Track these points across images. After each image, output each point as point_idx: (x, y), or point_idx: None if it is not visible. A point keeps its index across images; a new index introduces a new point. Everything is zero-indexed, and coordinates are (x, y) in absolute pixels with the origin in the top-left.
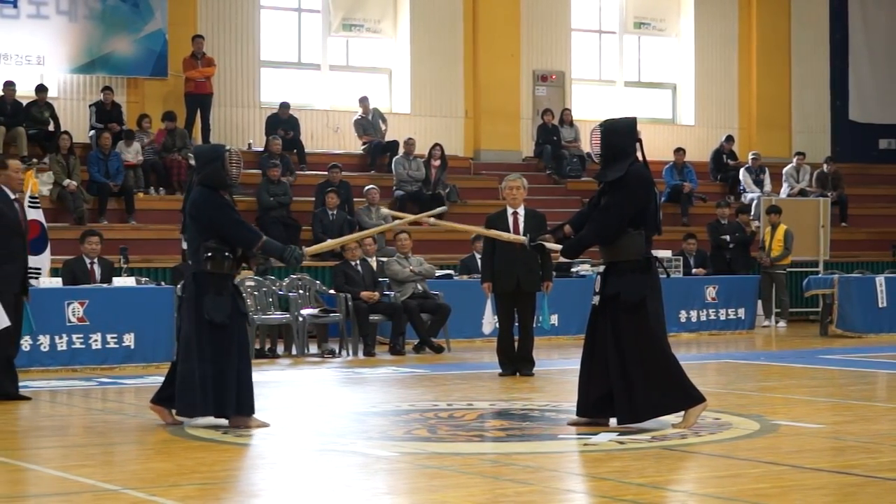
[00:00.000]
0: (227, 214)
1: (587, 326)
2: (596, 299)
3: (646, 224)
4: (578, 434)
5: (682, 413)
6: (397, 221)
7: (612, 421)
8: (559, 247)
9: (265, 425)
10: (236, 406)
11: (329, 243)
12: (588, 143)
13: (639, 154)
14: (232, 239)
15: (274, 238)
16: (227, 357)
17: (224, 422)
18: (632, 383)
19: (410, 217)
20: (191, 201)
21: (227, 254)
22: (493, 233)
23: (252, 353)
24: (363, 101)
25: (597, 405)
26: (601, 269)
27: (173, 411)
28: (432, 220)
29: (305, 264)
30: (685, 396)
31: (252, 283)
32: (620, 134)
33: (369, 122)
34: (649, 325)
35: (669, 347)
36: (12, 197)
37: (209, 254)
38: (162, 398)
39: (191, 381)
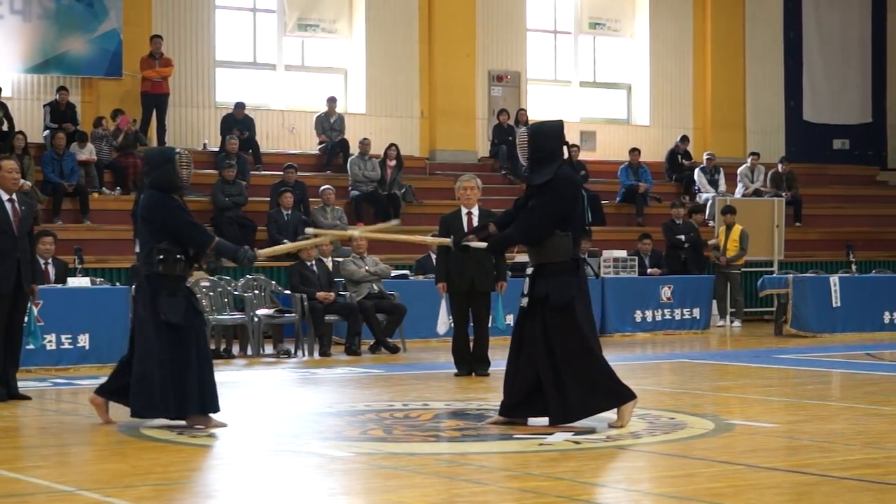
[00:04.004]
0: (180, 216)
1: (514, 328)
2: (524, 301)
3: (573, 226)
4: (533, 434)
5: (616, 411)
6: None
7: (532, 421)
8: (484, 244)
9: (222, 425)
10: (200, 405)
11: (284, 247)
12: (518, 146)
13: (566, 157)
14: (185, 240)
15: (229, 238)
16: (186, 357)
17: (179, 422)
18: (563, 384)
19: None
20: (143, 204)
21: (179, 256)
22: (419, 238)
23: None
24: (331, 101)
25: (520, 406)
26: (529, 271)
27: (110, 410)
28: (358, 232)
29: (260, 264)
30: (616, 395)
31: (207, 284)
32: (547, 137)
33: (329, 124)
34: (578, 325)
35: (599, 347)
36: (6, 198)
37: (161, 256)
38: (108, 391)
39: (150, 382)
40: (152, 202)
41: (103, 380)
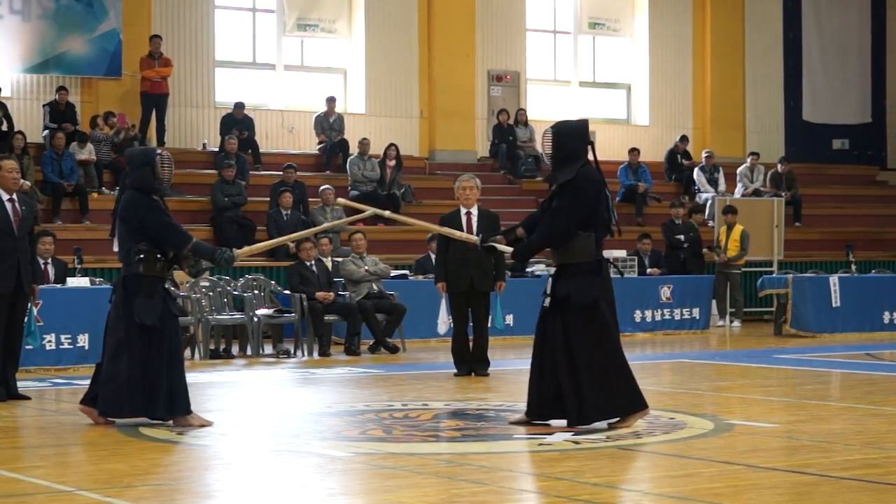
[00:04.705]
0: (158, 217)
1: (536, 328)
2: (546, 301)
3: (596, 226)
4: (533, 434)
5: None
6: (332, 224)
7: (553, 422)
8: (510, 249)
9: (208, 423)
10: (168, 406)
11: (261, 245)
12: (542, 144)
13: (591, 156)
14: (163, 241)
15: (229, 239)
16: (157, 359)
17: (157, 422)
18: (580, 385)
19: (367, 212)
20: (122, 204)
21: (158, 256)
22: (447, 230)
23: (207, 354)
24: (330, 101)
25: (546, 407)
26: (552, 270)
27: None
28: (388, 213)
29: (258, 264)
30: (629, 402)
31: (206, 284)
32: (571, 136)
33: (328, 124)
34: (599, 327)
35: (621, 350)
36: (6, 198)
37: (141, 256)
38: (90, 399)
39: (118, 381)
40: (131, 202)
41: None
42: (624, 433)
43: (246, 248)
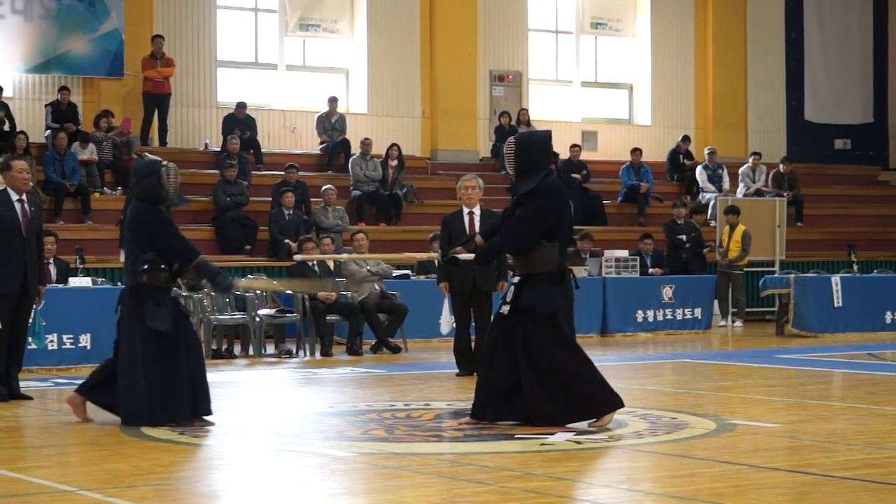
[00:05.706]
0: (167, 229)
1: (489, 333)
2: (505, 309)
3: (559, 236)
4: (535, 434)
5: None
6: (350, 257)
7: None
8: (472, 256)
9: (210, 424)
10: (193, 408)
11: (261, 284)
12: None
13: (553, 167)
14: (170, 253)
15: (230, 238)
16: (176, 364)
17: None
18: (549, 391)
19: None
20: (130, 215)
21: (162, 266)
22: (407, 256)
23: (209, 354)
24: (332, 101)
25: (490, 408)
26: (515, 279)
27: (87, 404)
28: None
29: (260, 264)
30: (600, 403)
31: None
32: (534, 147)
33: (330, 124)
34: (562, 335)
35: (584, 355)
36: (15, 198)
37: (146, 266)
38: (84, 389)
39: (134, 391)
40: (139, 214)
41: None
42: (626, 433)
43: (246, 282)
